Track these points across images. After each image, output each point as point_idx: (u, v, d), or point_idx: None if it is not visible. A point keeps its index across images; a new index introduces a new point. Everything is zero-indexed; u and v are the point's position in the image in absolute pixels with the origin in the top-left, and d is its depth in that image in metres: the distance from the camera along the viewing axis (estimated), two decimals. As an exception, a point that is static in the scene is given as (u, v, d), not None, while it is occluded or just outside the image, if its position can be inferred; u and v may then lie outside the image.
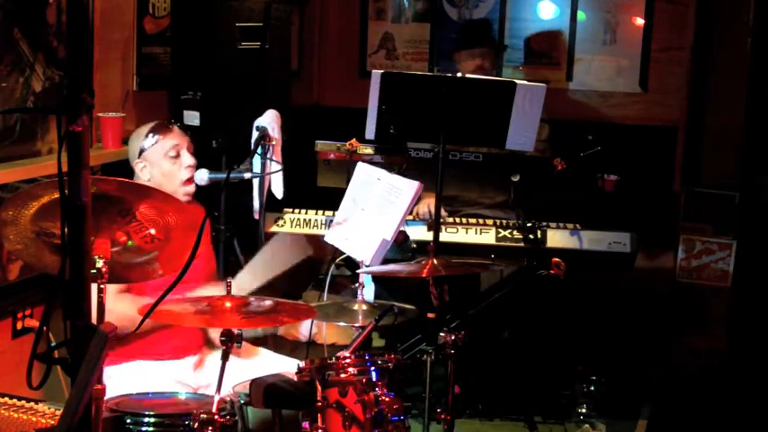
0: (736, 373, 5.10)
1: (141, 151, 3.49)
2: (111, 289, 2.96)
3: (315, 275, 5.63)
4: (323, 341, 4.73)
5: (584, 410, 4.49)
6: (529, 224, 4.41)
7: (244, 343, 2.84)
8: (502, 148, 4.26)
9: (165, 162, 3.49)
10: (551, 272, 3.96)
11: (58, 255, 2.46)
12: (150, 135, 3.50)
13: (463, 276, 4.37)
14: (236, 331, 2.79)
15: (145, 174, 3.50)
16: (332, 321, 3.63)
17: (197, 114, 4.22)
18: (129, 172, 3.54)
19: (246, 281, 3.38)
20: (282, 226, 4.46)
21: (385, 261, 3.70)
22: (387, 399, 2.81)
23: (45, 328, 2.08)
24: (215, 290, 3.25)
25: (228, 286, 2.93)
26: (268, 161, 3.81)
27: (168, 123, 3.63)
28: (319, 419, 2.79)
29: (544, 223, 4.45)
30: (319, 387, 2.80)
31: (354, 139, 4.42)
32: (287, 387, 2.82)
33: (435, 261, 3.36)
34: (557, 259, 3.97)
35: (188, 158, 3.53)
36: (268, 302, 3.02)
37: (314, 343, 4.74)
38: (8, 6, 3.55)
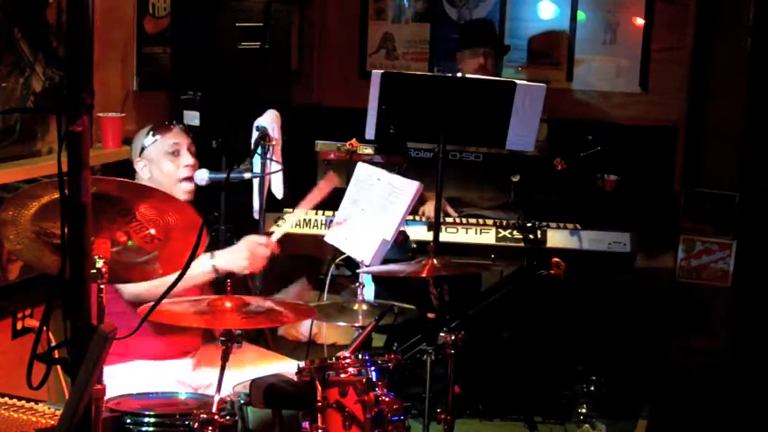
0: (736, 374, 5.10)
1: (142, 149, 3.52)
2: None
3: (315, 275, 5.63)
4: (323, 341, 4.73)
5: (584, 410, 4.49)
6: (529, 224, 4.41)
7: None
8: (502, 148, 4.26)
9: (164, 161, 3.52)
10: (551, 272, 3.96)
11: (58, 255, 2.46)
12: (150, 134, 3.54)
13: (463, 276, 4.37)
14: (236, 332, 2.79)
15: (145, 172, 3.52)
16: (332, 321, 3.63)
17: (197, 114, 4.22)
18: (132, 172, 3.56)
19: None
20: (282, 226, 4.46)
21: (385, 261, 3.70)
22: (387, 399, 2.81)
23: (45, 328, 2.08)
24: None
25: (228, 286, 2.93)
26: (268, 161, 3.80)
27: (169, 123, 3.66)
28: (319, 419, 2.79)
29: (544, 223, 4.45)
30: (319, 387, 2.80)
31: (354, 139, 4.42)
32: (287, 387, 2.82)
33: (435, 261, 3.36)
34: (557, 259, 3.97)
35: (187, 158, 3.55)
36: (268, 303, 3.03)
37: (314, 343, 4.74)
38: (8, 6, 3.55)
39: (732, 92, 5.44)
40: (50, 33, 3.76)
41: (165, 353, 3.43)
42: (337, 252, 3.90)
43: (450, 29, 5.91)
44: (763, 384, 4.92)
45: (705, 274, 5.54)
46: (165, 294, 2.29)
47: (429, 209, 4.62)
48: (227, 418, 2.73)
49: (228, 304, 2.86)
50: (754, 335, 5.26)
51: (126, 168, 3.69)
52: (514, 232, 4.42)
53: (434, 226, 4.09)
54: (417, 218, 4.52)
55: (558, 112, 5.15)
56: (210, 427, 2.67)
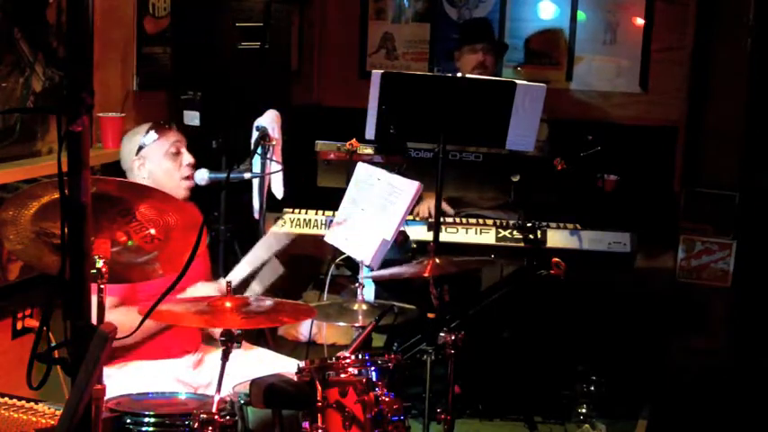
0: (736, 374, 5.10)
1: (140, 148, 3.51)
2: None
3: (315, 275, 5.63)
4: (323, 341, 4.73)
5: (584, 410, 4.48)
6: (529, 224, 4.41)
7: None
8: (502, 148, 4.26)
9: (165, 160, 3.52)
10: (551, 272, 3.96)
11: (58, 255, 2.46)
12: (151, 132, 3.54)
13: (463, 276, 4.37)
14: (236, 332, 2.79)
15: (143, 171, 3.51)
16: (332, 321, 3.62)
17: (197, 114, 4.22)
18: (121, 172, 3.55)
19: (242, 271, 3.40)
20: (282, 226, 4.46)
21: (385, 261, 3.70)
22: (387, 399, 2.81)
23: (45, 328, 2.07)
24: (207, 288, 3.29)
25: (228, 286, 2.93)
26: (268, 161, 3.81)
27: (166, 123, 3.67)
28: (319, 419, 2.79)
29: (544, 223, 4.45)
30: (319, 387, 2.80)
31: (354, 139, 4.42)
32: (287, 387, 2.82)
33: (437, 260, 3.36)
34: (557, 259, 3.97)
35: (188, 157, 3.57)
36: (268, 302, 3.03)
37: (314, 343, 4.74)
38: (8, 6, 3.55)
39: (732, 92, 5.44)
40: (50, 33, 3.76)
41: (165, 352, 3.44)
42: (337, 252, 3.90)
43: (450, 29, 5.91)
44: (763, 384, 4.92)
45: (705, 274, 5.54)
46: (163, 296, 2.28)
47: (423, 209, 4.62)
48: (227, 418, 2.73)
49: (228, 304, 2.86)
50: (754, 335, 5.26)
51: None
52: (514, 232, 4.43)
53: (434, 226, 4.09)
54: (417, 218, 4.52)
55: (558, 112, 5.15)
56: (210, 427, 2.67)
